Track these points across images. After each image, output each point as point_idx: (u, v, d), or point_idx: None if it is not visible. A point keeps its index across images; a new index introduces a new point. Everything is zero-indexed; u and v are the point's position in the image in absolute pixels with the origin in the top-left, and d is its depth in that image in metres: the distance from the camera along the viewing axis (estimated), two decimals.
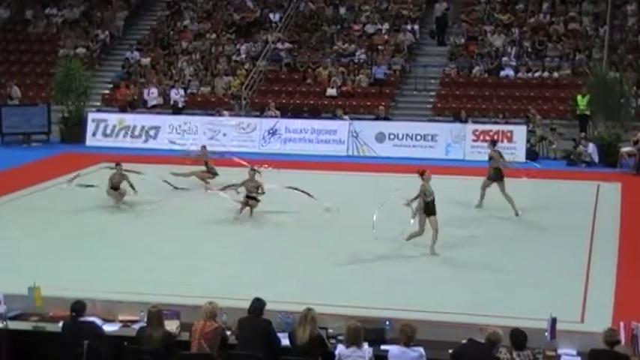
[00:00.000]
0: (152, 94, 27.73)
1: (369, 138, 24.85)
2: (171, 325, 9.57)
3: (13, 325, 9.87)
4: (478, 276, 13.55)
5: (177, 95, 27.79)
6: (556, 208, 18.04)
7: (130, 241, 15.57)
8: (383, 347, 9.20)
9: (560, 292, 12.64)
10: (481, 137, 23.62)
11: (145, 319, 9.41)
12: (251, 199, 16.94)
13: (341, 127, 25.29)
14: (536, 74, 27.71)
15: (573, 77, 27.24)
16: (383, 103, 26.80)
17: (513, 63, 28.21)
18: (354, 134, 24.93)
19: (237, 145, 24.77)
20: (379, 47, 29.26)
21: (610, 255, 14.60)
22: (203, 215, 16.98)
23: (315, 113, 26.91)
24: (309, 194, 17.17)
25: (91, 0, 33.44)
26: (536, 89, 27.31)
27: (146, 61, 29.97)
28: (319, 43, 30.16)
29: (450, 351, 8.82)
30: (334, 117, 26.24)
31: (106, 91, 29.43)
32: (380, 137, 24.86)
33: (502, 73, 27.97)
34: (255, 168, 17.57)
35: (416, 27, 30.35)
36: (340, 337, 9.21)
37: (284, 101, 27.70)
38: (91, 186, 18.23)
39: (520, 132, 24.35)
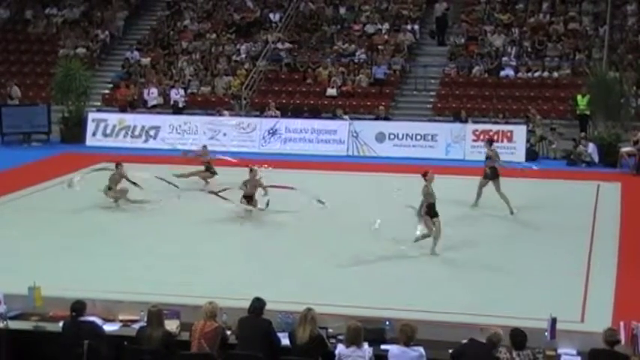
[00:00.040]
0: (152, 94, 27.73)
1: (369, 138, 24.85)
2: (172, 325, 9.58)
3: (14, 325, 9.88)
4: (478, 276, 13.55)
5: (177, 95, 27.80)
6: (556, 208, 18.03)
7: (130, 240, 15.57)
8: (383, 347, 9.21)
9: (560, 292, 12.64)
10: (481, 137, 23.57)
11: (145, 319, 9.42)
12: (248, 199, 16.94)
13: (341, 127, 25.30)
14: (536, 74, 27.71)
15: (573, 77, 27.24)
16: (383, 103, 26.81)
17: (513, 63, 28.22)
18: (354, 134, 24.93)
19: (237, 145, 24.82)
20: (379, 47, 29.26)
21: (610, 255, 14.60)
22: (203, 215, 16.97)
23: (315, 113, 26.91)
24: (290, 188, 17.10)
25: (91, 0, 33.44)
26: (536, 89, 27.31)
27: (146, 61, 29.97)
28: (319, 43, 30.16)
29: (450, 351, 8.83)
30: (334, 117, 26.24)
31: (106, 91, 29.44)
32: (380, 137, 24.87)
33: (502, 73, 27.97)
34: (255, 168, 17.56)
35: (416, 27, 30.35)
36: (340, 337, 9.22)
37: (284, 101, 27.70)
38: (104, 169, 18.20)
39: (520, 132, 24.36)
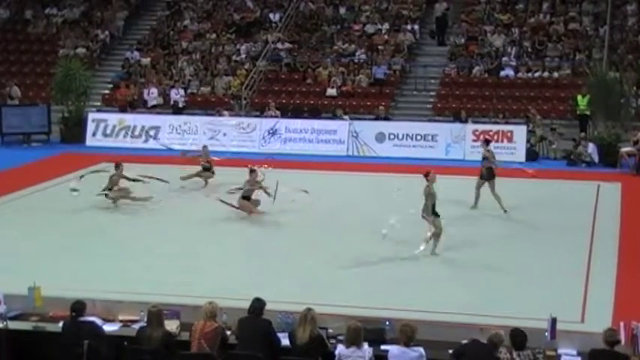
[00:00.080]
0: (152, 94, 27.73)
1: (369, 138, 24.85)
2: (171, 325, 9.57)
3: (13, 325, 9.86)
4: (478, 276, 13.56)
5: (177, 95, 27.79)
6: (556, 208, 18.04)
7: (130, 241, 15.57)
8: (383, 347, 9.19)
9: (560, 292, 12.64)
10: (481, 137, 23.55)
11: (145, 319, 9.41)
12: (246, 199, 16.94)
13: (341, 127, 25.30)
14: (536, 74, 27.71)
15: (573, 77, 27.24)
16: (383, 103, 26.80)
17: (513, 63, 28.21)
18: (354, 134, 24.93)
19: (237, 145, 24.85)
20: (379, 47, 29.26)
21: (610, 255, 14.61)
22: (203, 215, 16.98)
23: (315, 113, 26.91)
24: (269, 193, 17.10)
25: (91, 0, 33.43)
26: (536, 89, 27.31)
27: (146, 61, 29.96)
28: (319, 43, 30.16)
29: (450, 351, 8.83)
30: (334, 117, 26.24)
31: (106, 91, 29.44)
32: (380, 137, 24.86)
33: (502, 73, 27.97)
34: (255, 168, 17.57)
35: (416, 27, 30.35)
36: (340, 337, 9.21)
37: (284, 101, 27.70)
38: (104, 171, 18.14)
39: (520, 132, 24.37)
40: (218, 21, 31.87)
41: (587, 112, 24.92)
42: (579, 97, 25.01)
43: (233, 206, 16.94)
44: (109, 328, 9.79)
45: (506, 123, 25.15)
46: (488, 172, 17.52)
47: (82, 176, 18.23)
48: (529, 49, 28.66)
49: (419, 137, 24.75)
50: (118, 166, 17.95)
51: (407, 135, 24.84)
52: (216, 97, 28.28)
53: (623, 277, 13.40)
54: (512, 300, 12.34)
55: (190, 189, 19.29)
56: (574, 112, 25.49)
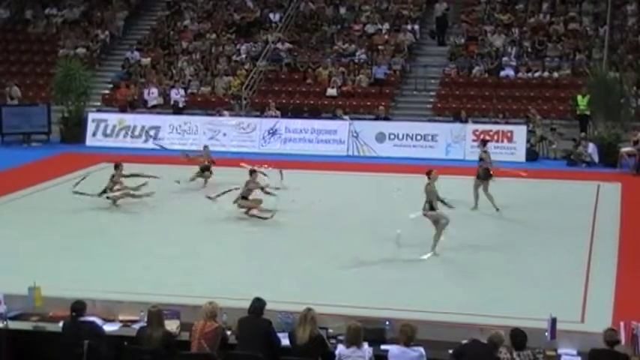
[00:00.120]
0: (152, 94, 27.73)
1: (369, 138, 24.86)
2: (172, 325, 9.57)
3: (13, 325, 9.86)
4: (478, 276, 13.55)
5: (177, 95, 27.80)
6: (556, 208, 18.05)
7: (130, 241, 15.57)
8: (383, 347, 9.19)
9: (560, 292, 12.64)
10: (481, 137, 23.58)
11: (145, 319, 9.41)
12: (244, 200, 16.94)
13: (341, 127, 25.30)
14: (536, 74, 27.71)
15: (573, 77, 27.24)
16: (383, 103, 26.81)
17: (513, 63, 28.21)
18: (354, 134, 24.93)
19: (237, 145, 24.86)
20: (379, 47, 29.26)
21: (610, 255, 14.61)
22: (203, 215, 16.98)
23: (315, 113, 26.91)
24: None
25: (91, 0, 33.43)
26: (536, 89, 27.31)
27: (146, 61, 29.97)
28: (319, 43, 30.16)
29: (450, 351, 8.83)
30: (334, 117, 26.24)
31: (106, 91, 29.43)
32: (380, 137, 24.87)
33: (502, 73, 27.97)
34: (256, 168, 17.57)
35: (416, 27, 30.36)
36: (340, 337, 9.21)
37: (284, 101, 27.70)
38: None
39: (520, 132, 24.37)
40: (218, 21, 31.87)
41: (587, 112, 24.92)
42: (579, 97, 25.01)
43: (223, 193, 16.94)
44: (109, 328, 9.79)
45: (506, 123, 25.15)
46: (485, 173, 17.58)
47: (76, 184, 18.21)
48: (529, 49, 28.66)
49: (419, 137, 24.75)
50: (117, 167, 17.95)
51: (407, 135, 24.85)
52: (216, 97, 28.28)
53: (623, 277, 13.40)
54: (513, 300, 12.33)
55: (190, 189, 19.28)
56: (574, 112, 25.49)
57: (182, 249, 14.90)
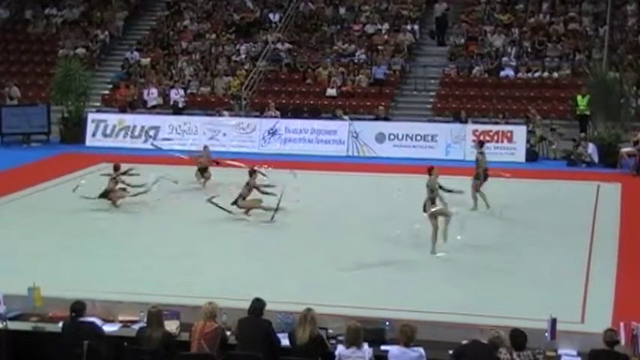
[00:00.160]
0: (152, 95, 27.72)
1: (369, 138, 24.85)
2: (171, 326, 9.56)
3: (13, 325, 9.86)
4: (478, 276, 13.55)
5: (177, 95, 27.79)
6: (556, 208, 18.05)
7: (130, 241, 15.57)
8: (383, 347, 9.19)
9: (560, 292, 12.64)
10: (481, 137, 23.57)
11: (145, 320, 9.41)
12: (244, 200, 16.93)
13: (341, 127, 25.30)
14: (536, 74, 27.71)
15: (573, 77, 27.23)
16: (383, 104, 26.80)
17: (513, 63, 28.21)
18: (354, 134, 24.92)
19: (237, 145, 24.85)
20: (379, 47, 29.26)
21: (610, 255, 14.61)
22: (203, 215, 16.96)
23: (315, 113, 26.90)
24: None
25: (90, 0, 33.43)
26: (536, 89, 27.30)
27: (146, 61, 29.96)
28: (319, 43, 30.16)
29: (450, 351, 8.82)
30: (334, 117, 26.24)
31: (106, 92, 29.43)
32: (380, 137, 24.86)
33: (502, 73, 27.97)
34: (256, 169, 17.56)
35: (416, 27, 30.35)
36: (340, 338, 9.21)
37: (284, 101, 27.69)
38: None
39: (520, 132, 24.37)
40: (218, 21, 31.87)
41: (587, 113, 24.91)
42: (579, 98, 25.01)
43: (223, 209, 16.88)
44: (108, 328, 9.79)
45: (506, 123, 25.14)
46: (484, 174, 17.62)
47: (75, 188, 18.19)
48: (529, 49, 28.66)
49: (419, 137, 24.74)
50: (116, 168, 17.94)
51: (407, 135, 24.84)
52: (216, 97, 28.27)
53: (623, 277, 13.40)
54: (512, 300, 12.33)
55: (190, 189, 19.28)
56: (574, 112, 25.48)
57: (182, 249, 14.90)
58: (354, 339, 8.79)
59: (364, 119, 26.24)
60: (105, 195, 17.59)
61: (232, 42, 30.62)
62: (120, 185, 17.81)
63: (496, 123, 25.22)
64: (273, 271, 13.70)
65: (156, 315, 9.20)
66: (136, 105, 27.86)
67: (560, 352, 9.18)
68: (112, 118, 26.64)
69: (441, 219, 14.58)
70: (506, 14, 30.18)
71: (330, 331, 9.54)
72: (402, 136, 24.85)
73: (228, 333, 9.38)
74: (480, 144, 18.64)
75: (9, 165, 22.65)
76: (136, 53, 30.42)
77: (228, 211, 16.85)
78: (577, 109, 25.14)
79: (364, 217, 16.88)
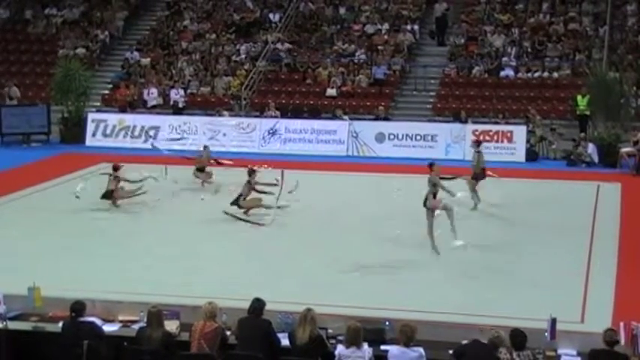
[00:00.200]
0: (152, 95, 27.73)
1: (368, 138, 24.85)
2: (171, 326, 9.57)
3: (13, 325, 9.86)
4: (478, 276, 13.53)
5: (177, 95, 27.79)
6: (556, 208, 18.04)
7: (130, 241, 15.56)
8: (383, 347, 9.20)
9: (560, 292, 12.63)
10: (481, 137, 23.57)
11: (145, 320, 9.41)
12: (243, 200, 16.94)
13: (341, 127, 25.30)
14: (536, 74, 27.71)
15: (573, 77, 27.23)
16: (383, 104, 26.80)
17: (513, 63, 28.21)
18: (354, 134, 24.93)
19: (237, 146, 24.84)
20: (379, 47, 29.26)
21: (610, 255, 14.60)
22: (203, 215, 16.96)
23: (314, 113, 26.90)
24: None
25: (90, 0, 33.43)
26: (536, 89, 27.30)
27: (146, 61, 29.96)
28: (319, 43, 30.16)
29: (451, 351, 8.83)
30: (334, 117, 26.24)
31: (106, 92, 29.43)
32: (380, 137, 24.86)
33: (502, 74, 27.97)
34: (255, 169, 17.56)
35: (416, 27, 30.35)
36: (340, 338, 9.21)
37: (284, 101, 27.70)
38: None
39: (520, 132, 24.37)
40: (218, 21, 31.87)
41: (587, 113, 24.91)
42: (579, 98, 25.01)
43: (240, 219, 16.84)
44: (108, 328, 9.80)
45: (506, 123, 25.14)
46: (482, 173, 17.64)
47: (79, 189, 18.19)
48: (529, 50, 28.66)
49: (419, 137, 24.75)
50: (116, 169, 17.94)
51: (407, 135, 24.84)
52: (216, 97, 28.28)
53: (623, 277, 13.40)
54: (512, 300, 12.33)
55: (189, 189, 19.27)
56: (574, 112, 25.48)
57: (182, 249, 14.89)
58: (353, 339, 8.79)
59: (364, 119, 26.24)
60: (107, 196, 17.59)
61: (232, 42, 30.62)
62: (121, 184, 17.81)
63: (496, 123, 25.21)
64: (273, 271, 13.69)
65: (156, 315, 9.20)
66: (136, 105, 27.86)
67: (560, 351, 9.19)
68: (112, 118, 26.64)
69: (445, 213, 14.63)
70: (506, 14, 30.18)
71: (330, 331, 9.54)
72: (402, 136, 24.85)
73: (228, 333, 9.39)
74: (477, 143, 18.63)
75: (9, 165, 22.65)
76: (136, 53, 30.42)
77: (248, 221, 16.71)
78: (577, 109, 25.13)
79: (364, 217, 16.88)
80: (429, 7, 31.25)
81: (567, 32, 28.99)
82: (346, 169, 22.61)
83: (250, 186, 17.01)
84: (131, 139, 26.05)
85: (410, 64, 29.18)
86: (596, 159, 23.15)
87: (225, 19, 31.88)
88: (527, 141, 24.28)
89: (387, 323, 9.67)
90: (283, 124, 25.51)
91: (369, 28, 30.35)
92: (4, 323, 9.75)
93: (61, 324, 9.62)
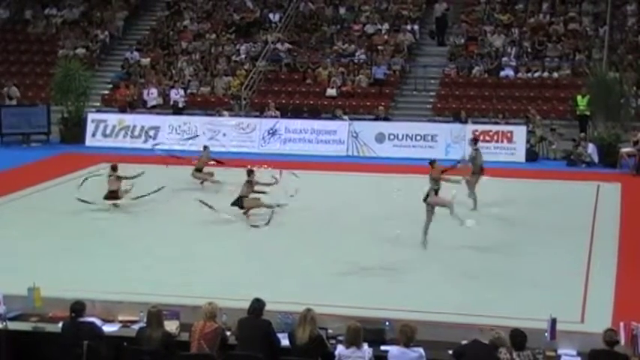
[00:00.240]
0: (152, 95, 27.72)
1: (368, 138, 24.86)
2: (171, 326, 9.56)
3: (13, 325, 9.85)
4: (478, 276, 13.54)
5: (177, 95, 27.79)
6: (556, 208, 18.04)
7: (130, 241, 15.56)
8: (383, 348, 9.19)
9: (560, 292, 12.64)
10: (481, 137, 23.56)
11: (145, 320, 9.41)
12: (242, 200, 16.94)
13: (341, 127, 25.30)
14: (536, 74, 27.71)
15: (573, 77, 27.23)
16: (383, 104, 26.80)
17: (513, 63, 28.21)
18: (354, 134, 24.93)
19: (237, 146, 24.85)
20: (379, 47, 29.26)
21: (610, 255, 14.61)
22: (202, 216, 16.95)
23: (314, 113, 26.90)
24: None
25: (90, 0, 33.43)
26: (536, 89, 27.30)
27: (146, 61, 29.96)
28: (319, 43, 30.16)
29: (451, 351, 8.82)
30: (334, 117, 26.24)
31: (106, 92, 29.43)
32: (380, 137, 24.86)
33: (502, 74, 27.97)
34: (254, 169, 17.56)
35: (416, 27, 30.35)
36: (340, 338, 9.20)
37: (284, 101, 27.70)
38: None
39: (520, 132, 24.37)
40: (218, 21, 31.87)
41: (587, 113, 24.91)
42: (579, 98, 25.00)
43: (212, 207, 16.84)
44: (108, 328, 9.79)
45: (506, 123, 25.15)
46: (480, 171, 17.64)
47: (82, 182, 18.18)
48: (529, 50, 28.66)
49: (419, 137, 24.75)
50: (114, 169, 17.94)
51: (407, 135, 24.84)
52: (215, 97, 28.27)
53: (623, 277, 13.40)
54: (512, 300, 12.33)
55: (189, 189, 19.27)
56: (574, 112, 25.48)
57: (182, 249, 14.89)
58: (353, 339, 8.78)
59: (364, 119, 26.24)
60: (111, 196, 17.60)
61: (232, 42, 30.62)
62: (124, 183, 17.82)
63: (496, 123, 25.21)
64: (273, 271, 13.69)
65: (156, 315, 9.19)
66: (135, 105, 27.86)
67: (560, 352, 9.18)
68: (112, 118, 26.65)
69: (445, 208, 14.68)
70: (506, 14, 30.18)
71: (330, 331, 9.53)
72: (402, 136, 24.85)
73: (228, 333, 9.38)
74: (475, 141, 18.62)
75: (9, 165, 22.65)
76: (135, 53, 30.42)
77: (257, 225, 16.71)
78: (577, 109, 25.13)
79: (364, 217, 16.88)
80: (429, 7, 31.26)
81: (567, 32, 28.99)
82: (346, 169, 22.61)
83: (251, 186, 17.01)
84: (131, 139, 26.05)
85: (410, 64, 29.18)
86: (596, 159, 23.16)
87: (225, 19, 31.88)
88: (527, 141, 24.28)
89: (387, 323, 9.66)
90: (283, 124, 25.52)
91: (369, 28, 30.35)
92: (4, 323, 9.74)
93: (61, 324, 9.61)
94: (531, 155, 24.00)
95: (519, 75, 27.82)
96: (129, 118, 26.59)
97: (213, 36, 30.98)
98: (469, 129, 24.47)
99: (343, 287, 12.89)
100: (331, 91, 27.78)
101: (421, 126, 25.31)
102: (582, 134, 24.08)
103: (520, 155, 23.86)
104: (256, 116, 26.71)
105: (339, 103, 27.27)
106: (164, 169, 19.99)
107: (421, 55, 30.03)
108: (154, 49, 30.73)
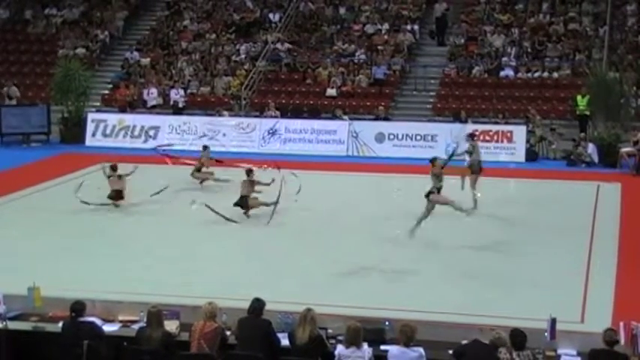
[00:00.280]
0: (152, 95, 27.73)
1: (368, 138, 24.86)
2: (171, 326, 9.56)
3: (13, 325, 9.85)
4: (478, 276, 13.54)
5: (177, 95, 27.79)
6: (556, 208, 18.04)
7: (130, 241, 15.57)
8: (383, 347, 9.19)
9: (560, 292, 12.64)
10: (481, 137, 23.57)
11: (145, 320, 9.41)
12: (245, 200, 16.95)
13: (341, 127, 25.30)
14: (536, 74, 27.71)
15: (573, 77, 27.23)
16: (383, 104, 26.80)
17: (513, 63, 28.21)
18: (354, 134, 24.93)
19: (237, 146, 24.84)
20: (379, 47, 29.26)
21: (610, 255, 14.60)
22: (202, 215, 16.94)
23: (314, 113, 26.90)
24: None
25: (90, 0, 33.43)
26: (536, 89, 27.30)
27: (146, 61, 29.96)
28: (319, 43, 30.16)
29: (450, 351, 8.82)
30: (334, 117, 26.24)
31: (106, 92, 29.43)
32: (380, 137, 24.86)
33: (502, 74, 27.97)
34: (254, 169, 17.56)
35: (416, 27, 30.35)
36: (340, 338, 9.20)
37: (284, 101, 27.70)
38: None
39: (520, 132, 24.37)
40: (218, 21, 31.87)
41: (587, 113, 24.91)
42: (579, 98, 25.01)
43: (219, 214, 16.83)
44: (108, 328, 9.79)
45: (506, 123, 25.14)
46: (478, 166, 17.61)
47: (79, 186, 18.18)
48: (529, 50, 28.66)
49: (419, 137, 24.75)
50: (114, 169, 17.94)
51: (407, 135, 24.85)
52: (215, 97, 28.28)
53: (623, 277, 13.40)
54: (512, 300, 12.33)
55: (189, 190, 19.26)
56: (574, 112, 25.48)
57: (182, 249, 14.89)
58: (353, 339, 8.79)
59: (364, 119, 26.24)
60: (115, 196, 17.60)
61: (232, 42, 30.62)
62: (121, 185, 17.83)
63: (496, 123, 25.21)
64: (273, 271, 13.69)
65: (156, 315, 9.20)
66: (135, 105, 27.87)
67: (559, 351, 9.18)
68: (112, 118, 26.65)
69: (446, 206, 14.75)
70: (506, 14, 30.18)
71: (330, 331, 9.53)
72: (402, 136, 24.86)
73: (228, 333, 9.38)
74: (472, 136, 18.61)
75: (9, 165, 22.65)
76: (135, 53, 30.42)
77: (219, 213, 16.75)
78: (577, 109, 25.14)
79: (364, 217, 16.88)
80: (429, 7, 31.25)
81: (567, 32, 28.99)
82: (346, 169, 22.61)
83: (252, 185, 17.02)
84: (131, 139, 26.05)
85: (410, 64, 29.18)
86: (596, 159, 23.15)
87: (225, 19, 31.88)
88: (527, 141, 24.28)
89: (387, 323, 9.66)
90: (283, 124, 25.52)
91: (369, 28, 30.35)
92: (4, 323, 9.74)
93: (61, 324, 9.61)
94: (531, 155, 24.00)
95: (519, 75, 27.82)
96: (129, 118, 26.60)
97: (213, 36, 30.98)
98: (469, 129, 24.41)
99: (343, 287, 12.89)
100: (331, 91, 27.79)
101: (421, 126, 25.30)
102: (582, 134, 24.08)
103: (520, 155, 23.86)
104: (256, 116, 26.71)
105: (339, 103, 27.27)
106: (164, 169, 19.93)
107: (421, 55, 30.03)
108: (153, 49, 30.73)
